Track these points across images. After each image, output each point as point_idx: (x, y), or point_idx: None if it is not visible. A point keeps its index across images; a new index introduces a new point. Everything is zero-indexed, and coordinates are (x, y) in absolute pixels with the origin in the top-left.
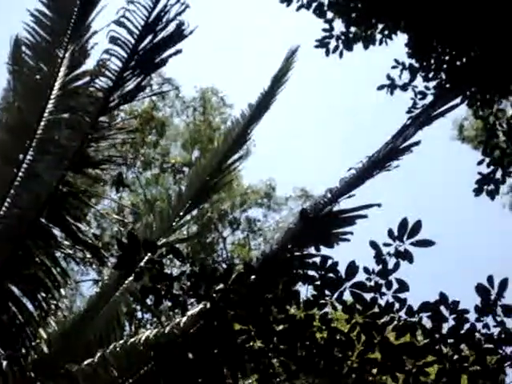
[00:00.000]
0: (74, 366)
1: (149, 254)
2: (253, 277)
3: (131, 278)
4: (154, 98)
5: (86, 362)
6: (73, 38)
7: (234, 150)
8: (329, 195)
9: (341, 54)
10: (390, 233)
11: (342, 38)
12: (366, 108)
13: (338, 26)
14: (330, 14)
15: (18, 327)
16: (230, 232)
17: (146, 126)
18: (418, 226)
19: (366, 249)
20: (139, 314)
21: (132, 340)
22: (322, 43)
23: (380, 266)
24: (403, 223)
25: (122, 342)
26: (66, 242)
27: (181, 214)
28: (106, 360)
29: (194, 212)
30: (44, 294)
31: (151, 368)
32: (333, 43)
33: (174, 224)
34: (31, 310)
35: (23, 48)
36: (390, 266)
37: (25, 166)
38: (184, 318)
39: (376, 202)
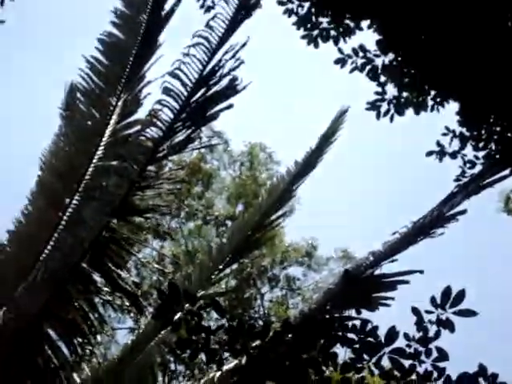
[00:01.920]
0: None
1: (188, 306)
2: (290, 335)
3: (167, 329)
4: (202, 150)
5: None
6: (126, 86)
7: (278, 206)
8: (371, 258)
9: (391, 118)
10: (433, 300)
11: (394, 101)
12: (412, 173)
13: (391, 89)
14: (382, 78)
15: (52, 371)
16: (268, 289)
17: (193, 177)
18: (461, 295)
19: (407, 314)
20: (172, 366)
21: None
22: (374, 106)
23: (420, 333)
24: (447, 291)
25: None
26: (106, 289)
27: (221, 267)
28: None
29: (234, 266)
30: (80, 339)
31: None
32: (384, 106)
33: (213, 277)
34: (66, 355)
35: (77, 94)
36: (431, 333)
37: (70, 210)
38: (218, 373)
39: (418, 267)
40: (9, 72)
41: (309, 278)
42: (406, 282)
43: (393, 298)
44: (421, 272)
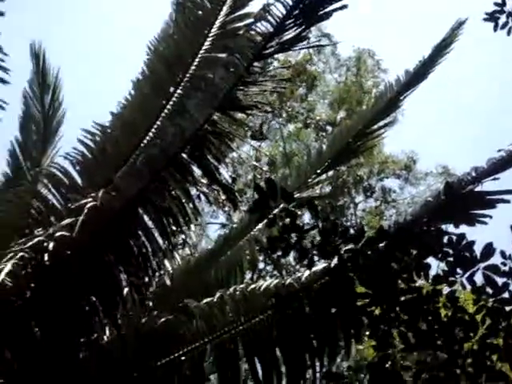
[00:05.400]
0: (192, 303)
1: (283, 204)
2: (384, 243)
3: (260, 226)
4: (309, 50)
5: (204, 301)
6: None
7: (383, 115)
8: (473, 174)
9: (509, 32)
10: None
11: None
12: None
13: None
14: None
15: (144, 256)
16: (362, 199)
17: (297, 78)
18: None
19: (505, 231)
20: (260, 265)
21: (252, 287)
22: (492, 17)
23: None
24: None
25: (241, 286)
26: (203, 181)
27: (318, 171)
28: (224, 302)
29: (330, 172)
30: (174, 228)
31: (266, 318)
32: (503, 19)
33: (309, 180)
34: (159, 242)
35: None
36: None
37: (174, 99)
38: (306, 273)
39: None
40: None
41: (405, 192)
42: (507, 202)
43: (491, 217)
44: None
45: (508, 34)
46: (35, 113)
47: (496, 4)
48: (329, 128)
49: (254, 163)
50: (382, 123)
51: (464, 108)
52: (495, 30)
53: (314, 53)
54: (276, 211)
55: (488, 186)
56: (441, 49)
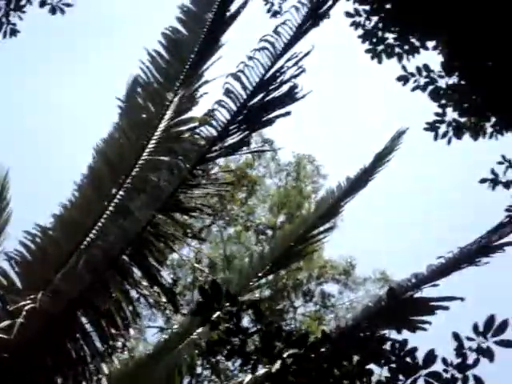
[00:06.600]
0: None
1: (227, 306)
2: (326, 348)
3: (202, 329)
4: (251, 155)
5: None
6: (184, 83)
7: (324, 220)
8: (413, 280)
9: (449, 141)
10: (475, 327)
11: (453, 124)
12: (462, 199)
13: (451, 112)
14: (444, 100)
15: (82, 360)
16: (302, 303)
17: (239, 183)
18: (504, 325)
19: (447, 339)
20: (199, 370)
21: None
22: (432, 127)
23: (459, 359)
24: (490, 320)
25: None
26: (144, 283)
27: (260, 275)
28: None
29: (270, 276)
30: (113, 331)
31: None
32: (443, 128)
33: (251, 283)
34: (98, 345)
35: (136, 86)
36: (470, 360)
37: (116, 201)
38: (247, 378)
39: (460, 294)
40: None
41: (344, 297)
42: (446, 308)
43: (430, 323)
44: (461, 299)
45: (448, 143)
46: None
47: (436, 114)
48: (269, 232)
49: (195, 265)
50: (322, 228)
51: (403, 214)
52: (435, 139)
53: (255, 157)
54: (218, 313)
55: (428, 292)
56: (381, 157)
